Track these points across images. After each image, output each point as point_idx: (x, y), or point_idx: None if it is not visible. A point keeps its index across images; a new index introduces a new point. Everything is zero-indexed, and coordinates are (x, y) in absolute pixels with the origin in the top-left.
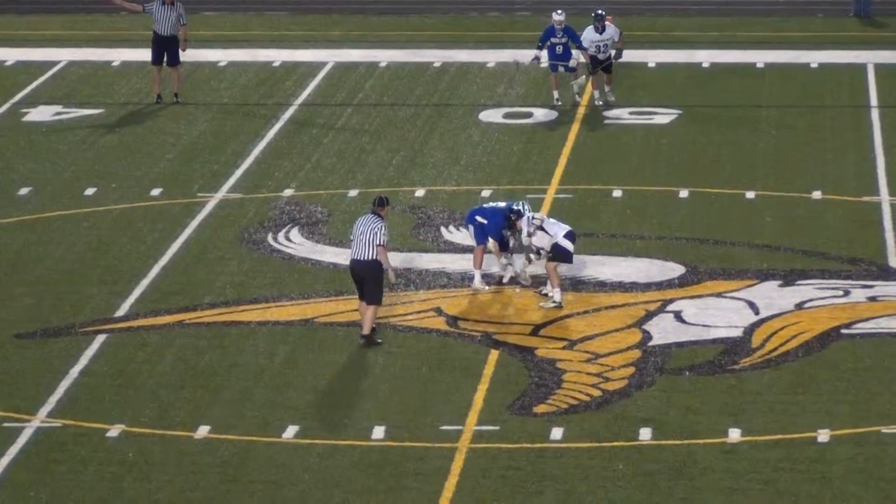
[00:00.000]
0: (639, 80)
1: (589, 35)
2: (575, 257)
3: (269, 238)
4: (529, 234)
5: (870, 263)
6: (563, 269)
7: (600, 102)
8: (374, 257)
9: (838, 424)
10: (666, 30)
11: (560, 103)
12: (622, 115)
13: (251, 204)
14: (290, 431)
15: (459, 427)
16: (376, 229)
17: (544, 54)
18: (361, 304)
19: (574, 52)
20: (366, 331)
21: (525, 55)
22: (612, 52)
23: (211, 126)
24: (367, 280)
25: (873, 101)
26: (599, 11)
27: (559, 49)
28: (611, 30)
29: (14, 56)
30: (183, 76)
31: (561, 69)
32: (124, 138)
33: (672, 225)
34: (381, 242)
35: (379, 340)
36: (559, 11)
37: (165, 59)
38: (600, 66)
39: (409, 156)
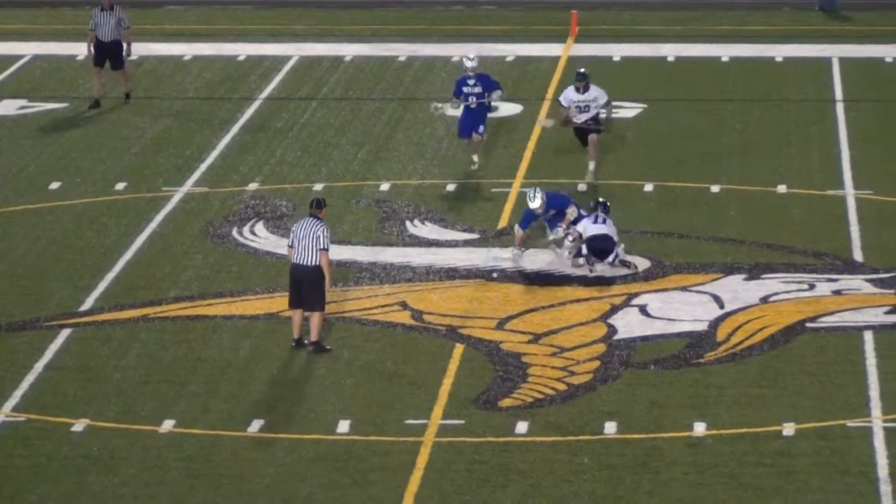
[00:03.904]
0: (604, 73)
1: (568, 94)
2: (539, 251)
3: (234, 232)
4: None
5: (835, 257)
6: (527, 261)
7: (584, 186)
8: (318, 262)
9: (803, 418)
10: (631, 24)
11: (476, 167)
12: None
13: (216, 198)
14: (255, 425)
15: (424, 421)
16: (319, 233)
17: (458, 101)
18: (295, 312)
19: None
20: (314, 337)
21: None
22: (599, 114)
23: (175, 120)
24: (310, 286)
25: (838, 95)
26: (582, 70)
27: (473, 102)
28: (595, 91)
29: None
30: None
31: (474, 136)
32: (89, 132)
33: (637, 218)
34: (325, 247)
35: (328, 347)
36: (471, 56)
37: (109, 63)
38: (584, 130)
39: (374, 150)
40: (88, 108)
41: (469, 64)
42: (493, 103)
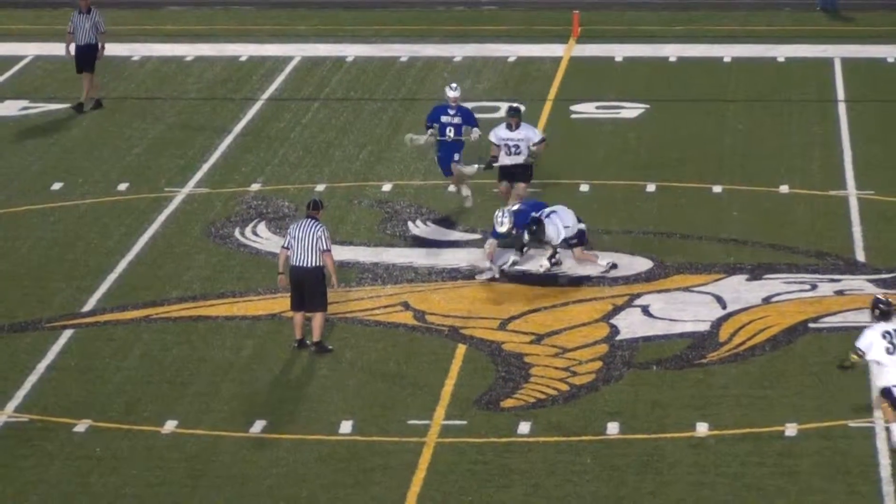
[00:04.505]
0: (605, 74)
1: (499, 132)
2: (540, 251)
3: (236, 233)
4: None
5: (837, 257)
6: (527, 262)
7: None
8: (318, 263)
9: (806, 418)
10: (632, 24)
11: (469, 201)
12: (589, 109)
13: (218, 198)
14: (258, 426)
15: (427, 422)
16: (319, 234)
17: (435, 129)
18: (296, 314)
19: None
20: (316, 337)
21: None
22: (528, 158)
23: (178, 121)
24: (311, 286)
25: (840, 95)
26: (514, 105)
27: (450, 133)
28: (527, 130)
29: None
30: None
31: (453, 166)
32: (91, 133)
33: (639, 219)
34: (327, 248)
35: (330, 347)
36: (454, 86)
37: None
38: (509, 171)
39: (376, 150)
40: (90, 109)
41: (452, 94)
42: (471, 138)
